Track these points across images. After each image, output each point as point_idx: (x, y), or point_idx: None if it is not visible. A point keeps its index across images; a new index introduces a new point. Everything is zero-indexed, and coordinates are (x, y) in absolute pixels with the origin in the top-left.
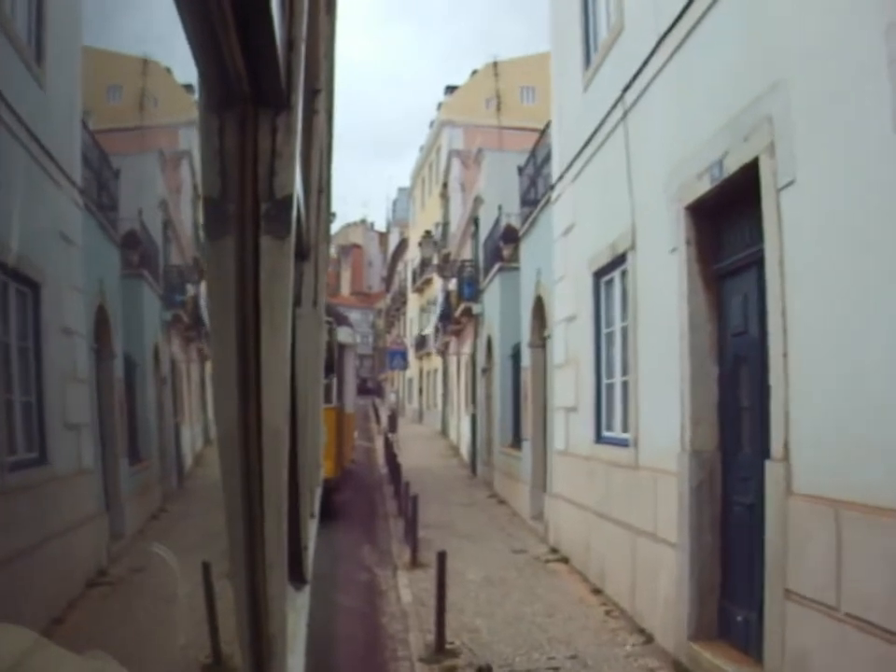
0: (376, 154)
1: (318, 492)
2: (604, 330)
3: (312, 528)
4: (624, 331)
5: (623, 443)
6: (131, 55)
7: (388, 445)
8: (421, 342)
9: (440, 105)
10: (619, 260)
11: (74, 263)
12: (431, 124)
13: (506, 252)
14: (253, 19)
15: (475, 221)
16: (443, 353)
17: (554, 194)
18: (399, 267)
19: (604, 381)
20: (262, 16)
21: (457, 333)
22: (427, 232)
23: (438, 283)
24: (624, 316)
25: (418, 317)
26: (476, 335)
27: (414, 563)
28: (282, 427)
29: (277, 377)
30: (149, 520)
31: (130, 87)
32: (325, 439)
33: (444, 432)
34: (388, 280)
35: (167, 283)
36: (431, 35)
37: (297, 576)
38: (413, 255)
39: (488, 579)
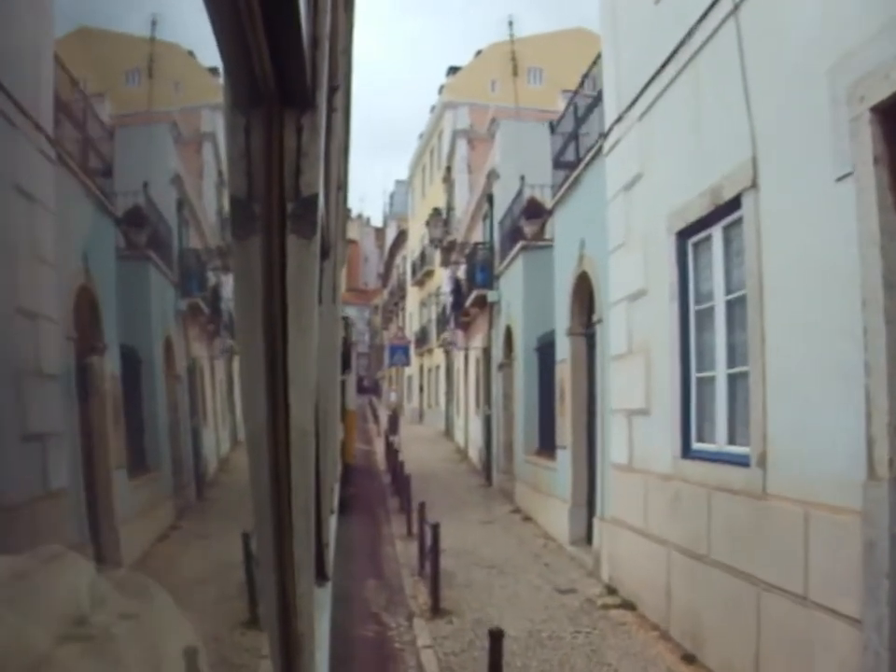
0: (373, 148)
1: (336, 488)
2: (694, 307)
3: (332, 525)
4: (732, 306)
5: (735, 460)
6: (154, 39)
7: (390, 450)
8: (422, 337)
9: (441, 89)
10: (725, 209)
11: (39, 228)
12: (432, 109)
13: (529, 229)
14: (281, 17)
15: (489, 199)
16: (448, 348)
17: (608, 143)
18: (398, 261)
19: (694, 374)
20: (290, 13)
21: (465, 326)
22: (436, 210)
23: (441, 273)
24: (732, 286)
25: (418, 312)
26: (491, 326)
27: (436, 609)
28: (309, 427)
29: (304, 377)
30: (157, 542)
31: (149, 66)
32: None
33: (448, 433)
34: (386, 274)
35: (183, 268)
36: (437, 28)
37: (319, 573)
38: (412, 247)
39: (535, 635)
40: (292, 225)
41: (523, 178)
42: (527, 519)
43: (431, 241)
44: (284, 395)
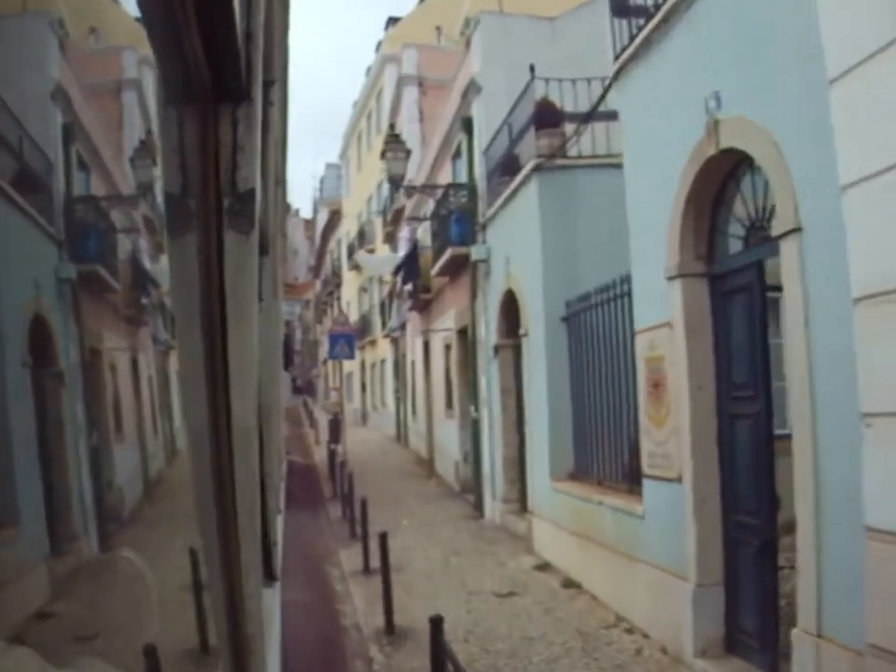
0: (302, 137)
1: (282, 486)
2: None
3: (279, 524)
4: None
5: None
6: None
7: (335, 468)
8: (363, 327)
9: (379, 45)
10: None
11: None
12: (368, 71)
13: (544, 143)
14: (214, 10)
15: (465, 124)
16: (398, 337)
17: None
18: (331, 245)
19: None
20: (223, 7)
21: (424, 306)
22: (393, 134)
23: (386, 250)
24: None
25: (357, 299)
26: (474, 296)
27: None
28: (252, 424)
29: (246, 375)
30: None
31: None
32: None
33: (402, 440)
34: (318, 263)
35: (73, 222)
36: (369, 13)
37: (267, 574)
38: (348, 228)
39: None
40: (229, 221)
41: (533, 68)
42: (571, 585)
43: (390, 180)
44: (225, 393)
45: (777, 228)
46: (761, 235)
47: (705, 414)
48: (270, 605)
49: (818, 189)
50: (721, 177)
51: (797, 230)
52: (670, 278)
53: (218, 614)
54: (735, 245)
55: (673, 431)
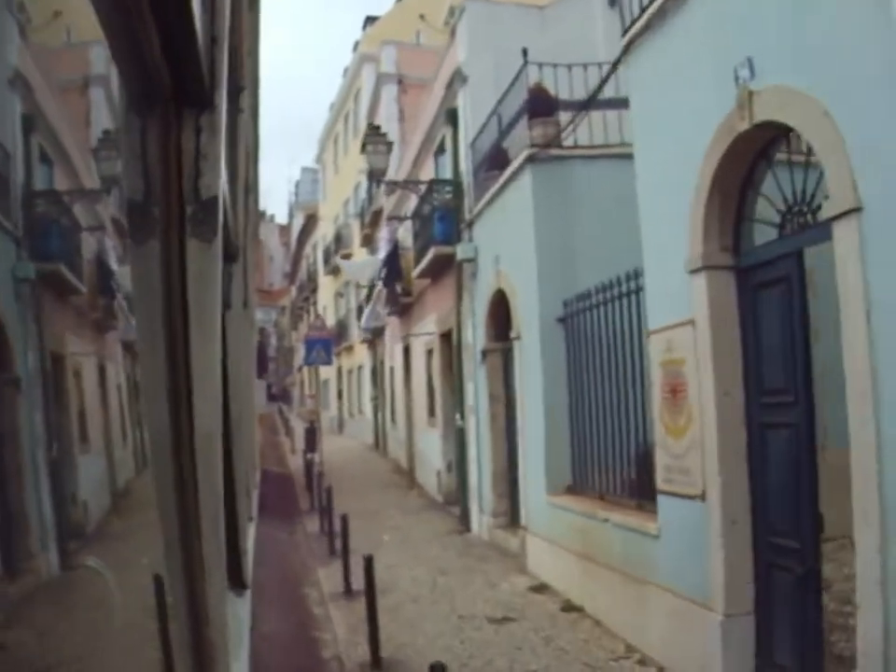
0: (278, 141)
1: (255, 494)
2: None
3: (250, 532)
4: None
5: None
6: None
7: (312, 479)
8: (339, 332)
9: (356, 45)
10: None
11: None
12: (345, 72)
13: (537, 133)
14: (173, 17)
15: (451, 116)
16: (376, 342)
17: None
18: (307, 250)
19: None
20: (182, 14)
21: (404, 310)
22: (374, 127)
23: (362, 254)
24: None
25: (333, 304)
26: (460, 298)
27: None
28: (214, 431)
29: (208, 382)
30: None
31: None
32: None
33: (380, 448)
34: (293, 268)
35: (33, 217)
36: (347, 11)
37: (237, 581)
38: (324, 232)
39: None
40: (192, 228)
41: (526, 52)
42: (572, 609)
43: (372, 175)
44: (188, 401)
45: (829, 209)
46: (799, 221)
47: (733, 424)
48: (239, 613)
49: (881, 162)
50: (752, 156)
51: (856, 209)
52: (693, 271)
53: (180, 621)
54: (764, 234)
55: (694, 443)
